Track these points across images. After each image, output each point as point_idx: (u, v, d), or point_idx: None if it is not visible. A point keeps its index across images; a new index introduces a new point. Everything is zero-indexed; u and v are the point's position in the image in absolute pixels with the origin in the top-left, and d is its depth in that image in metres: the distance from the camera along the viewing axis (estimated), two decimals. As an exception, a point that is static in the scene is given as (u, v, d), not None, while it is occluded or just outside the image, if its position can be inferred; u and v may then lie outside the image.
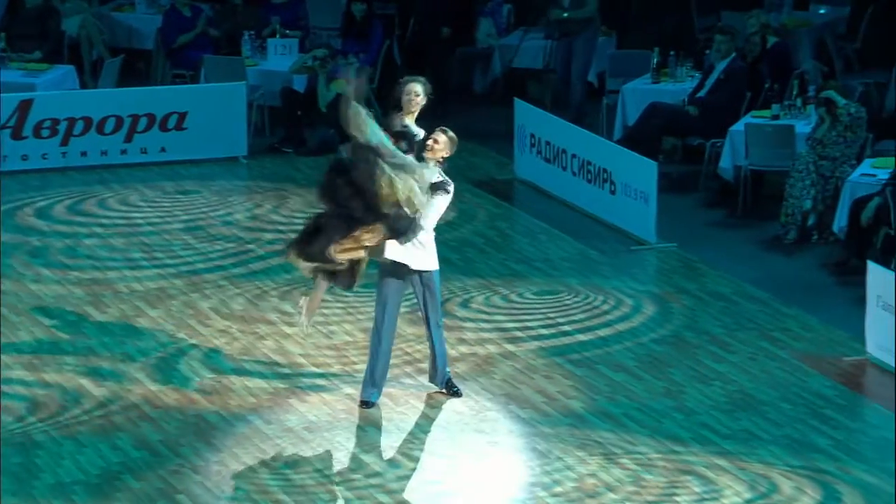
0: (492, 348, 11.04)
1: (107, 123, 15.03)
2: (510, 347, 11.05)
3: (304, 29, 17.01)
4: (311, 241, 9.59)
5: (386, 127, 9.85)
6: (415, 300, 10.10)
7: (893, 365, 10.57)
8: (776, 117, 13.91)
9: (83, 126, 14.98)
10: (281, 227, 13.52)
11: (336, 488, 9.12)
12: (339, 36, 16.77)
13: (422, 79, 10.09)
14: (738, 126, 13.90)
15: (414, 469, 9.38)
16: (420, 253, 9.78)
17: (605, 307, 11.77)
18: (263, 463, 9.39)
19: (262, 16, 17.02)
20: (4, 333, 11.20)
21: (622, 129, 15.00)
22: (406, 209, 9.48)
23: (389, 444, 9.65)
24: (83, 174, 14.83)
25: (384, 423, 9.90)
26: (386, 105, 16.36)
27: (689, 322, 11.50)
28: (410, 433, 9.78)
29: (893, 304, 10.51)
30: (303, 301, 9.92)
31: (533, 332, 11.31)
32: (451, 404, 10.14)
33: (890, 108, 15.21)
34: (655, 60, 15.24)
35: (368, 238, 9.48)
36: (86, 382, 10.44)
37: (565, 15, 15.62)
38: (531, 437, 9.73)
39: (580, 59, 15.85)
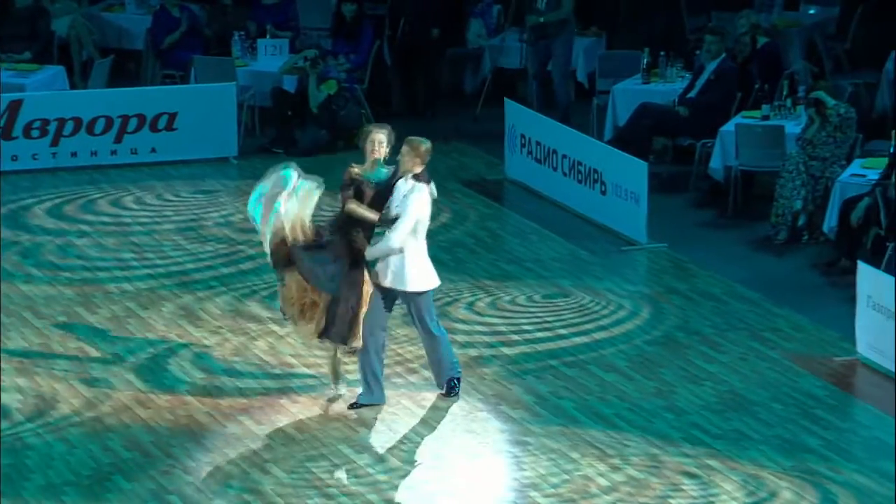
0: (483, 349, 11.04)
1: (97, 124, 15.01)
2: (501, 348, 11.05)
3: (294, 29, 17.00)
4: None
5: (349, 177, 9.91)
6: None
7: (884, 365, 10.59)
8: (766, 118, 13.93)
9: (73, 127, 14.96)
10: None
11: (328, 489, 9.12)
12: (330, 36, 16.76)
13: (386, 127, 10.11)
14: (729, 126, 13.92)
15: (405, 470, 9.38)
16: (406, 273, 9.76)
17: (596, 307, 11.78)
18: (255, 464, 9.39)
19: (252, 16, 17.01)
20: (-5, 334, 11.21)
21: (612, 129, 15.01)
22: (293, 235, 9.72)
23: (381, 444, 9.65)
24: (73, 175, 14.81)
25: (376, 423, 9.89)
26: (375, 106, 16.42)
27: (679, 322, 11.51)
28: (402, 434, 9.78)
29: (884, 304, 10.53)
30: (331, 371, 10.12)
31: (524, 333, 11.31)
32: (443, 405, 10.14)
33: (879, 108, 15.24)
34: (645, 61, 15.26)
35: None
36: (76, 384, 10.43)
37: (542, 19, 15.63)
38: (522, 437, 9.73)
39: (561, 60, 15.87)
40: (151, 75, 16.91)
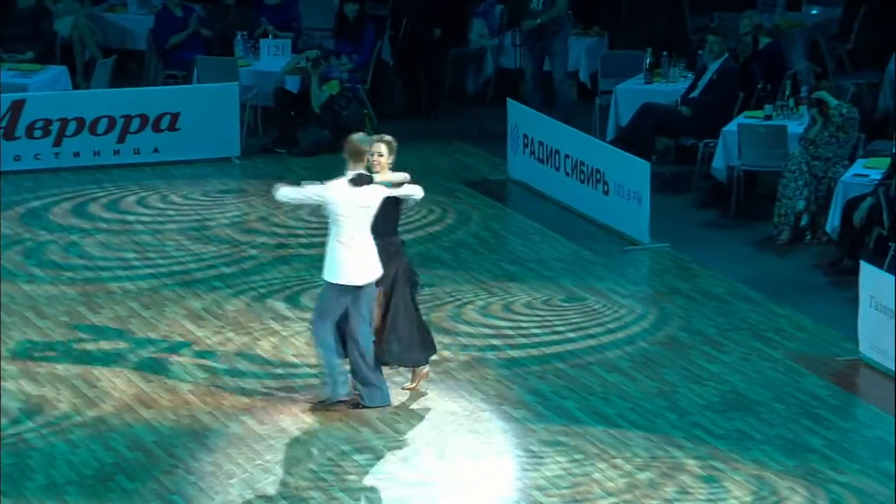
0: (485, 349, 11.03)
1: (99, 124, 15.02)
2: (503, 347, 11.05)
3: (296, 30, 17.00)
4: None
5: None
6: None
7: (886, 365, 10.58)
8: (769, 118, 13.92)
9: (76, 127, 14.97)
10: (274, 228, 13.53)
11: (330, 489, 9.12)
12: (332, 37, 16.77)
13: (388, 138, 10.10)
14: (731, 126, 13.92)
15: (408, 470, 9.37)
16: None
17: (599, 307, 11.77)
18: (257, 464, 9.39)
19: (255, 16, 17.01)
20: (-3, 334, 11.21)
21: (615, 129, 15.00)
22: None
23: (383, 444, 9.65)
24: (76, 175, 14.81)
25: (378, 423, 9.89)
26: (377, 106, 16.42)
27: (682, 322, 11.51)
28: (404, 434, 9.78)
29: (886, 305, 10.53)
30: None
31: (526, 333, 11.31)
32: (445, 405, 10.14)
33: (882, 108, 15.23)
34: (648, 61, 15.26)
35: None
36: (79, 383, 10.43)
37: (539, 20, 15.62)
38: (525, 437, 9.73)
39: (560, 59, 15.86)
40: (154, 75, 16.91)
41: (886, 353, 10.56)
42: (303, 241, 13.24)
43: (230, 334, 11.20)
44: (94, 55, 17.00)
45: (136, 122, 15.06)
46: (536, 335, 11.26)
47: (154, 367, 10.64)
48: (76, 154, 15.00)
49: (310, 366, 10.69)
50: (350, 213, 9.77)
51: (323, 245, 13.13)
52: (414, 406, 10.12)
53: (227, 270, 12.50)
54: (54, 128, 14.92)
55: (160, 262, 12.65)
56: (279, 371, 10.65)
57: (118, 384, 10.40)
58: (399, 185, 10.00)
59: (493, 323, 11.47)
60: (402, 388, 10.16)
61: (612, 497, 9.03)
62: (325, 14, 17.39)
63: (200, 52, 16.36)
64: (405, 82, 16.84)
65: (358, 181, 9.81)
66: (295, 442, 9.65)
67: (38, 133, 14.92)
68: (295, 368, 10.68)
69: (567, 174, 14.02)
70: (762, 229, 13.33)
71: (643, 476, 9.26)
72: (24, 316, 11.53)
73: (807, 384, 10.49)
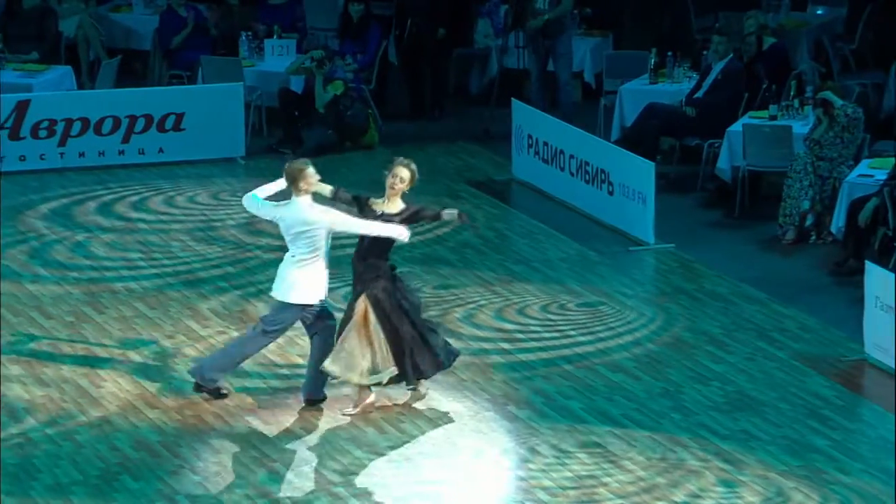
0: (490, 349, 11.03)
1: (104, 124, 15.02)
2: (508, 348, 11.05)
3: (301, 30, 17.01)
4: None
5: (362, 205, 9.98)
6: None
7: (892, 365, 10.57)
8: (774, 118, 13.92)
9: (81, 127, 14.98)
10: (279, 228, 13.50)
11: (335, 489, 9.12)
12: (337, 37, 16.77)
13: (409, 162, 10.03)
14: (736, 126, 13.91)
15: (412, 469, 9.37)
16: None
17: (604, 308, 11.77)
18: (262, 464, 9.39)
19: (260, 17, 17.02)
20: (3, 334, 11.19)
21: (620, 129, 15.00)
22: None
23: (388, 444, 9.65)
24: (81, 175, 14.82)
25: (383, 423, 9.89)
26: (382, 106, 16.42)
27: (687, 322, 11.50)
28: (409, 434, 9.78)
29: (892, 305, 10.52)
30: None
31: (531, 333, 11.31)
32: (450, 405, 10.14)
33: (887, 108, 15.21)
34: (653, 61, 15.25)
35: None
36: (84, 383, 10.44)
37: (546, 17, 15.59)
38: (530, 437, 9.73)
39: (565, 60, 15.85)
40: (159, 75, 16.92)
41: (891, 353, 10.55)
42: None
43: (235, 334, 11.20)
44: (99, 55, 17.01)
45: (140, 123, 15.07)
46: (541, 336, 11.26)
47: (159, 368, 10.65)
48: (81, 154, 15.00)
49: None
50: (287, 233, 9.83)
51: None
52: (419, 406, 10.12)
53: (232, 270, 12.50)
54: (59, 128, 14.93)
55: (165, 262, 12.66)
56: (284, 371, 10.65)
57: (123, 384, 10.40)
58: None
59: (498, 324, 11.47)
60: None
61: (617, 497, 9.02)
62: (330, 14, 17.40)
63: (205, 52, 16.37)
64: (410, 83, 16.84)
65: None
66: (300, 442, 9.65)
67: (43, 133, 14.93)
68: (300, 369, 10.67)
69: (572, 174, 14.01)
70: (767, 229, 13.32)
71: (648, 476, 9.26)
72: (30, 316, 11.53)
73: (812, 384, 10.49)
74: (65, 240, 13.19)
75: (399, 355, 9.78)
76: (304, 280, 9.80)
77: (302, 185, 9.83)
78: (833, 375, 10.61)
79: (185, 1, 16.79)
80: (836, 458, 9.49)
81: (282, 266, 9.91)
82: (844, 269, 12.35)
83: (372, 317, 9.73)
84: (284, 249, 9.99)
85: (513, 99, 15.06)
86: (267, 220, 10.23)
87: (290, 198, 9.89)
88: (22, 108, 14.86)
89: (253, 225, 13.62)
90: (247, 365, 10.70)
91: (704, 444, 9.63)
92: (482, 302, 11.86)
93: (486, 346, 11.08)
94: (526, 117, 14.71)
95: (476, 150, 15.60)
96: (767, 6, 17.03)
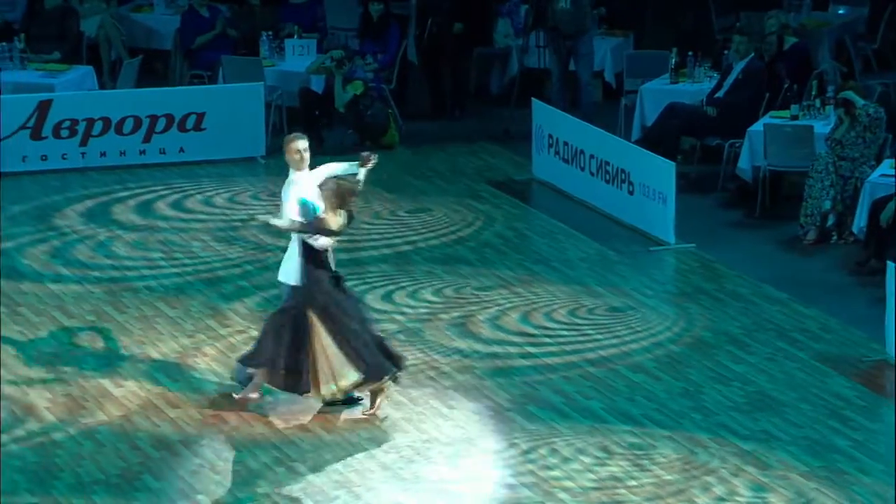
0: (510, 349, 11.03)
1: (125, 124, 15.07)
2: (528, 348, 11.05)
3: (321, 30, 17.02)
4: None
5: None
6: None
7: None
8: (795, 118, 13.88)
9: (102, 126, 15.02)
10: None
11: (355, 489, 9.13)
12: (357, 36, 16.78)
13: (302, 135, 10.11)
14: (757, 126, 13.88)
15: (433, 470, 9.38)
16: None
17: (624, 308, 11.76)
18: (282, 463, 9.40)
19: (280, 17, 17.04)
20: (25, 334, 11.23)
21: (640, 129, 14.98)
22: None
23: (407, 443, 9.65)
24: (102, 174, 14.86)
25: (402, 423, 9.90)
26: (403, 106, 16.44)
27: (707, 323, 11.48)
28: (429, 434, 9.78)
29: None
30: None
31: (551, 333, 11.30)
32: (470, 405, 10.14)
33: (909, 108, 15.16)
34: (673, 61, 15.23)
35: None
36: (105, 382, 10.47)
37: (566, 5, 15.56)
38: (550, 437, 9.73)
39: (587, 60, 15.84)
40: (180, 75, 16.96)
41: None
42: (328, 240, 13.26)
43: (255, 334, 11.21)
44: (121, 55, 17.06)
45: (161, 122, 15.11)
46: (561, 335, 11.25)
47: (180, 367, 10.67)
48: (102, 154, 15.04)
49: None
50: None
51: (346, 244, 13.21)
52: (439, 406, 10.12)
53: (252, 270, 12.52)
54: (81, 128, 14.98)
55: (186, 261, 12.68)
56: (304, 371, 10.65)
57: (144, 383, 10.43)
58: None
59: (518, 324, 11.46)
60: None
61: (637, 497, 9.01)
62: (350, 14, 17.41)
63: (226, 52, 16.40)
64: (430, 82, 16.84)
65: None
66: (320, 442, 9.66)
67: (64, 133, 14.98)
68: (320, 368, 10.69)
69: (592, 174, 14.00)
70: (788, 229, 13.29)
71: (669, 476, 9.24)
72: (52, 315, 11.57)
73: (833, 385, 10.46)
74: (86, 239, 13.23)
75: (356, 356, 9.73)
76: (289, 259, 9.89)
77: (288, 157, 9.97)
78: (854, 376, 10.58)
79: (206, 1, 16.82)
80: (857, 458, 9.46)
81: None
82: (866, 269, 12.31)
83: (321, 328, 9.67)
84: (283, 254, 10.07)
85: (533, 99, 15.06)
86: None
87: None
88: (44, 107, 14.91)
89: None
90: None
91: (725, 445, 9.61)
92: (502, 302, 11.86)
93: (506, 346, 11.07)
94: (546, 117, 14.70)
95: (496, 149, 15.59)
96: (789, 6, 16.99)
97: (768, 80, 14.60)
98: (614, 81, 16.61)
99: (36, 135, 14.91)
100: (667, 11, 17.44)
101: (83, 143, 15.01)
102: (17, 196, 14.26)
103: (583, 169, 14.12)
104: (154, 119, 15.09)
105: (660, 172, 13.16)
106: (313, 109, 15.70)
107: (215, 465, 9.37)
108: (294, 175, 10.03)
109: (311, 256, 9.73)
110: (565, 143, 14.36)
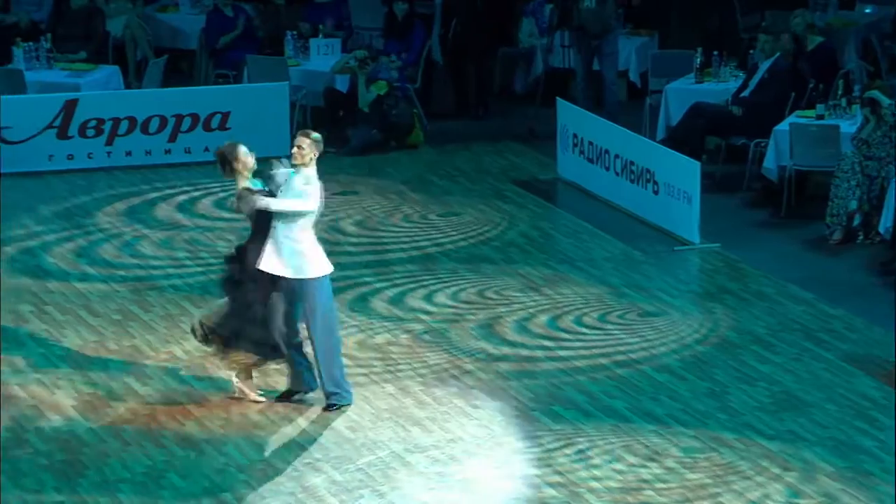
0: (535, 349, 11.02)
1: (151, 123, 15.12)
2: (553, 348, 11.03)
3: (346, 29, 17.04)
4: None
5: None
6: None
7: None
8: (821, 117, 13.84)
9: (128, 126, 15.07)
10: (324, 226, 13.56)
11: (379, 488, 9.13)
12: (382, 36, 16.79)
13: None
14: (783, 126, 13.84)
15: (457, 469, 9.38)
16: (294, 261, 9.80)
17: (648, 307, 11.74)
18: (307, 462, 9.42)
19: (306, 16, 17.07)
20: (51, 333, 11.28)
21: (665, 129, 14.96)
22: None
23: (432, 443, 9.66)
24: (128, 174, 14.91)
25: (427, 422, 9.91)
26: (427, 106, 16.44)
27: (732, 322, 11.45)
28: (454, 433, 9.78)
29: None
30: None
31: (576, 333, 11.29)
32: (495, 404, 10.14)
33: (936, 108, 15.09)
34: (699, 60, 15.19)
35: None
36: (131, 381, 10.50)
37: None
38: (575, 437, 9.72)
39: (611, 60, 15.82)
40: (205, 75, 17.00)
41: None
42: (352, 239, 13.28)
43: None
44: (146, 55, 17.11)
45: (187, 122, 15.15)
46: (586, 335, 11.24)
47: (205, 366, 10.69)
48: (128, 153, 15.10)
49: (359, 365, 10.71)
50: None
51: (372, 245, 13.23)
52: (464, 406, 10.12)
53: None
54: (107, 127, 15.04)
55: (211, 261, 12.70)
56: (329, 370, 10.66)
57: (169, 382, 10.45)
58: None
59: (542, 324, 11.45)
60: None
61: (662, 497, 9.00)
62: (375, 13, 17.43)
63: (251, 51, 16.43)
64: (455, 82, 16.84)
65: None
66: (345, 441, 9.67)
67: (90, 132, 15.04)
68: (345, 368, 10.68)
69: (617, 174, 13.98)
70: (814, 229, 13.25)
71: (694, 476, 9.22)
72: (78, 314, 11.61)
73: (859, 385, 10.42)
74: (112, 238, 13.27)
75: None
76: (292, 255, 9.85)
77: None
78: (881, 376, 10.53)
79: (231, 1, 16.86)
80: (882, 459, 9.42)
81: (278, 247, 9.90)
82: (892, 269, 12.27)
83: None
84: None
85: (557, 98, 15.04)
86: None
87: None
88: (70, 107, 14.97)
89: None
90: (292, 363, 10.72)
91: (750, 445, 9.59)
92: (526, 302, 11.85)
93: (530, 346, 11.07)
94: (571, 116, 14.69)
95: (521, 149, 15.59)
96: (815, 5, 16.94)
97: (793, 79, 14.55)
98: (639, 81, 16.59)
99: (62, 134, 14.97)
100: (692, 11, 17.40)
101: (109, 142, 15.07)
102: (43, 195, 14.32)
103: (607, 168, 14.11)
104: (179, 118, 15.13)
105: (685, 172, 13.13)
106: (338, 109, 15.72)
107: (240, 463, 9.39)
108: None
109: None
110: (590, 143, 14.35)
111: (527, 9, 17.39)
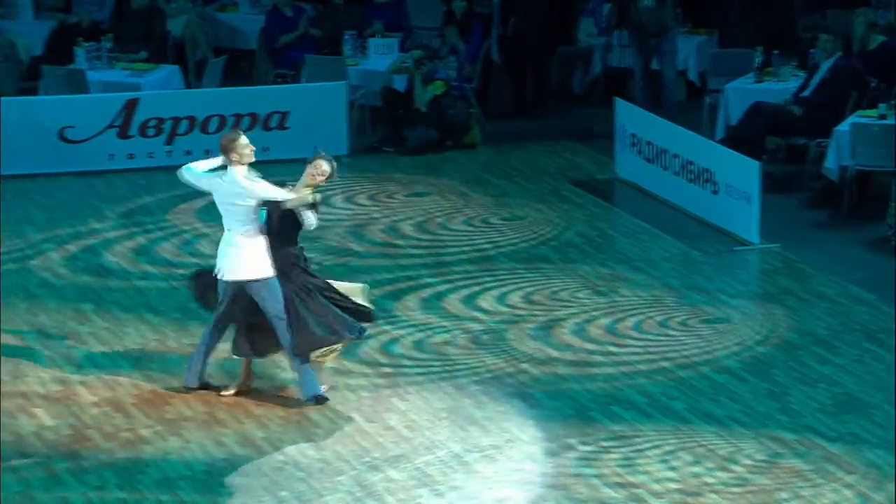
0: (593, 349, 10.99)
1: (210, 123, 15.20)
2: (612, 349, 11.00)
3: (405, 29, 17.07)
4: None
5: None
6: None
7: None
8: (883, 117, 13.71)
9: (188, 125, 15.17)
10: (383, 227, 13.59)
11: (437, 487, 9.14)
12: (440, 35, 16.80)
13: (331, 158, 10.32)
14: (844, 126, 13.73)
15: (516, 469, 9.37)
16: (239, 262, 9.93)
17: (708, 308, 11.68)
18: (365, 461, 9.44)
19: (364, 16, 17.10)
20: (113, 331, 11.37)
21: (724, 128, 14.88)
22: None
23: (490, 443, 9.65)
24: (188, 173, 14.97)
25: (485, 422, 9.90)
26: (485, 105, 16.44)
27: (793, 323, 11.37)
28: (510, 432, 9.78)
29: None
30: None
31: (634, 333, 11.25)
32: (552, 404, 10.12)
33: None
34: (759, 59, 15.10)
35: None
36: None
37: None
38: (633, 437, 9.68)
39: (670, 58, 15.76)
40: (264, 74, 17.08)
41: None
42: (411, 240, 13.30)
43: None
44: (206, 54, 17.21)
45: (246, 121, 15.22)
46: (645, 336, 11.20)
47: (264, 364, 10.73)
48: (188, 152, 15.17)
49: (417, 364, 10.73)
50: (221, 205, 10.03)
51: (428, 245, 13.24)
52: (522, 405, 10.11)
53: (336, 269, 12.56)
54: (167, 126, 15.14)
55: (270, 259, 12.74)
56: (387, 369, 10.69)
57: (228, 381, 10.50)
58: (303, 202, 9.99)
59: (601, 324, 11.42)
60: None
61: (721, 499, 8.95)
62: (434, 13, 17.45)
63: (309, 51, 16.49)
64: (513, 81, 16.83)
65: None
66: (401, 438, 9.68)
67: (151, 132, 15.15)
68: (402, 367, 10.72)
69: (676, 173, 13.92)
70: (875, 230, 13.13)
71: (754, 478, 9.17)
72: (138, 313, 11.70)
73: (921, 387, 10.33)
74: (172, 237, 13.35)
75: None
76: (251, 254, 9.94)
77: (234, 155, 10.03)
78: (943, 378, 10.43)
79: (290, 1, 16.93)
80: (946, 462, 9.33)
81: (223, 246, 10.04)
82: (955, 271, 12.14)
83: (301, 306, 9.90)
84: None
85: (616, 98, 15.00)
86: (204, 191, 10.36)
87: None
88: (131, 106, 15.08)
89: (356, 221, 13.69)
90: (350, 362, 10.76)
91: (811, 447, 9.52)
92: (585, 302, 11.82)
93: (588, 347, 11.04)
94: (629, 116, 14.64)
95: (579, 148, 15.55)
96: (877, 3, 16.78)
97: (854, 78, 14.43)
98: (698, 80, 16.51)
99: (123, 133, 15.09)
100: (752, 9, 17.30)
101: (169, 141, 15.16)
102: (104, 194, 14.44)
103: (666, 168, 14.05)
104: (238, 118, 15.20)
105: (744, 172, 13.06)
106: (396, 108, 15.75)
107: (298, 461, 9.43)
108: (239, 168, 10.03)
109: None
110: (648, 143, 14.29)
111: (585, 8, 17.35)
